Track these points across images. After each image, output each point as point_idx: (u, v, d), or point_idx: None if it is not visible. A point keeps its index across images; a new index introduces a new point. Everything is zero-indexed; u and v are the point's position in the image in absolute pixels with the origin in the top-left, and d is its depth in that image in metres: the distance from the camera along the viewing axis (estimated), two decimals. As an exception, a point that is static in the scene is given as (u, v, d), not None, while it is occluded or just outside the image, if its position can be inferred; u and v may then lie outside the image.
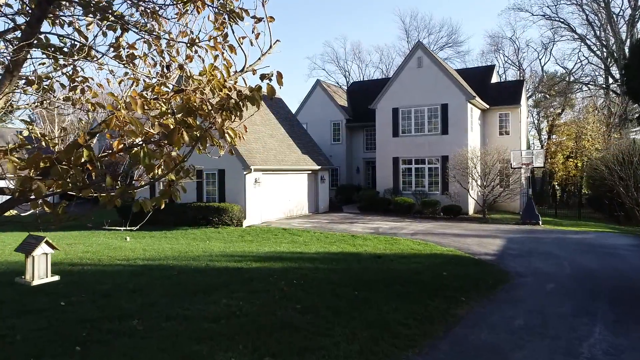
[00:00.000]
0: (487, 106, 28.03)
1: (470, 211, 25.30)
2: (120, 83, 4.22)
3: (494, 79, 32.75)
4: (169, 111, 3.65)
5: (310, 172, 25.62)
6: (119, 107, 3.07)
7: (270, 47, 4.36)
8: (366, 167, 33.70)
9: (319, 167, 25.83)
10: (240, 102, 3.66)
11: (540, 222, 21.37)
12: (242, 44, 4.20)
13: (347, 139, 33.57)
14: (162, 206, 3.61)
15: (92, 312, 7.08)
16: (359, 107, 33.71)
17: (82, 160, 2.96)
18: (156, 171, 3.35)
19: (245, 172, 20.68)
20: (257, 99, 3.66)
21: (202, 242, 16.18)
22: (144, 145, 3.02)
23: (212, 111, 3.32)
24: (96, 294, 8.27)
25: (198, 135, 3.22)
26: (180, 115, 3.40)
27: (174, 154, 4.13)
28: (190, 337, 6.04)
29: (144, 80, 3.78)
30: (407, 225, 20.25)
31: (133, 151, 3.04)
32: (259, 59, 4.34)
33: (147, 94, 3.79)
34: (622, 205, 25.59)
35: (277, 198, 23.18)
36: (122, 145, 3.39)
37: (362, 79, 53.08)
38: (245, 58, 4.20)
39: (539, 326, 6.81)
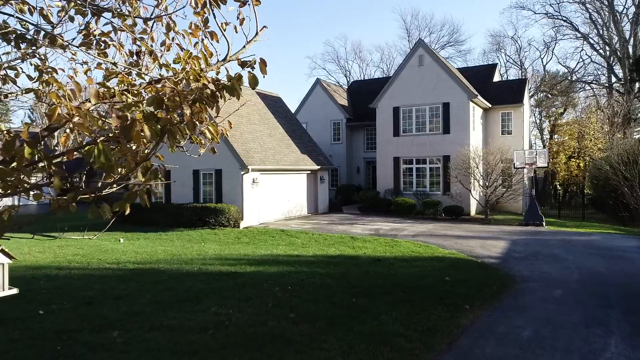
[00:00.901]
0: (489, 105, 27.56)
1: (472, 212, 24.83)
2: (86, 73, 3.77)
3: (496, 77, 32.28)
4: (142, 103, 3.20)
5: (309, 172, 25.16)
6: (66, 95, 2.62)
7: (257, 33, 3.90)
8: (367, 167, 33.24)
9: (319, 167, 25.38)
10: (217, 93, 3.21)
11: (544, 223, 20.90)
12: (225, 30, 3.75)
13: (347, 139, 33.10)
14: (127, 211, 3.16)
15: (71, 322, 6.63)
16: (359, 106, 33.25)
17: (26, 158, 2.52)
18: (118, 171, 2.89)
19: (242, 172, 20.23)
20: (237, 89, 3.21)
21: (197, 244, 15.73)
22: (98, 141, 2.56)
23: (180, 102, 2.85)
24: (79, 301, 7.82)
25: (164, 129, 2.76)
26: (151, 108, 2.95)
27: (146, 151, 3.67)
28: (173, 350, 5.59)
29: (107, 69, 3.32)
30: (408, 226, 19.79)
31: (86, 148, 2.59)
32: (244, 46, 3.87)
33: (118, 85, 3.34)
34: (626, 205, 25.13)
35: (275, 199, 22.73)
36: (80, 141, 2.94)
37: (362, 79, 52.67)
38: (229, 46, 3.74)
39: (549, 338, 6.35)
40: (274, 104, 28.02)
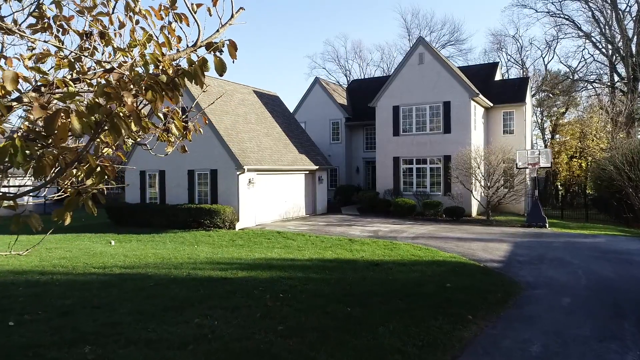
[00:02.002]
0: (491, 104, 27.03)
1: (474, 213, 24.31)
2: (30, 58, 3.26)
3: (498, 76, 31.75)
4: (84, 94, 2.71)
5: (307, 172, 24.65)
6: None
7: (232, 16, 3.39)
8: (366, 167, 32.73)
9: (317, 167, 24.86)
10: (177, 79, 2.71)
11: (547, 225, 20.38)
12: (195, 12, 3.24)
13: (346, 139, 32.59)
14: (67, 221, 2.65)
15: (41, 335, 6.13)
16: (359, 106, 32.75)
17: None
18: (49, 172, 2.38)
19: (238, 172, 19.72)
20: (199, 75, 2.70)
21: (190, 246, 15.23)
22: (15, 136, 2.06)
23: (120, 88, 2.35)
24: (55, 310, 7.31)
25: (99, 122, 2.26)
26: (101, 98, 2.44)
27: (109, 150, 3.18)
28: (148, 369, 5.09)
29: (45, 49, 2.82)
30: (408, 228, 19.28)
31: (0, 145, 2.08)
32: (218, 30, 3.35)
33: (55, 70, 2.83)
34: (630, 206, 24.63)
35: (272, 199, 22.23)
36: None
37: (363, 78, 52.11)
38: (199, 30, 3.23)
39: (560, 354, 5.84)
40: (272, 103, 27.51)
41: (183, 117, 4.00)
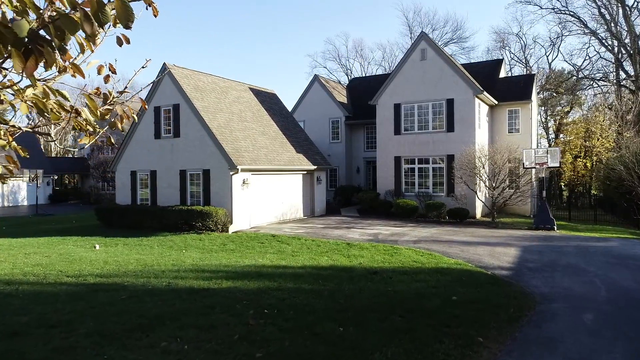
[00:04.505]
0: (496, 102, 26.05)
1: (478, 214, 23.34)
2: None
3: (502, 74, 30.74)
4: None
5: (305, 172, 23.72)
6: None
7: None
8: (367, 167, 31.78)
9: (315, 167, 23.93)
10: (50, 27, 1.79)
11: (556, 227, 19.41)
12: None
13: (346, 138, 31.65)
14: None
15: (-23, 364, 5.22)
16: (359, 104, 31.81)
17: None
18: None
19: (231, 173, 18.81)
20: (90, 22, 1.78)
21: (178, 251, 14.32)
22: None
23: None
24: (5, 330, 6.40)
25: None
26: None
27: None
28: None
29: None
30: (410, 230, 18.33)
31: None
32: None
33: None
34: (640, 208, 23.72)
35: (268, 201, 21.30)
36: None
37: (363, 76, 51.08)
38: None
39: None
40: (269, 101, 26.58)
41: (112, 99, 3.07)
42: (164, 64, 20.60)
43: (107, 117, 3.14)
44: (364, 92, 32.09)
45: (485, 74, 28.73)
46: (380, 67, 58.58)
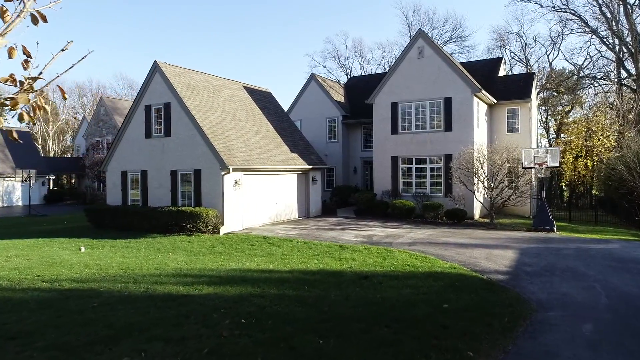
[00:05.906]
0: (495, 101, 25.55)
1: (476, 215, 22.85)
2: None
3: (502, 72, 30.24)
4: None
5: (300, 172, 23.25)
6: None
7: None
8: (364, 167, 31.30)
9: (310, 167, 23.45)
10: None
11: (556, 229, 18.92)
12: None
13: (343, 137, 31.18)
14: None
15: None
16: (356, 103, 31.34)
17: None
18: None
19: (223, 173, 18.34)
20: None
21: (164, 253, 13.86)
22: None
23: None
24: (-42, 343, 5.94)
25: None
26: None
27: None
28: None
29: None
30: (406, 232, 17.85)
31: None
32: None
33: None
34: (643, 208, 23.22)
35: (261, 201, 20.82)
36: None
37: (362, 75, 50.53)
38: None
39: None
40: (264, 100, 26.11)
41: (25, 86, 2.64)
42: (155, 61, 20.15)
43: (16, 107, 2.70)
44: (361, 91, 31.62)
45: (484, 73, 28.25)
46: (379, 66, 58.13)
